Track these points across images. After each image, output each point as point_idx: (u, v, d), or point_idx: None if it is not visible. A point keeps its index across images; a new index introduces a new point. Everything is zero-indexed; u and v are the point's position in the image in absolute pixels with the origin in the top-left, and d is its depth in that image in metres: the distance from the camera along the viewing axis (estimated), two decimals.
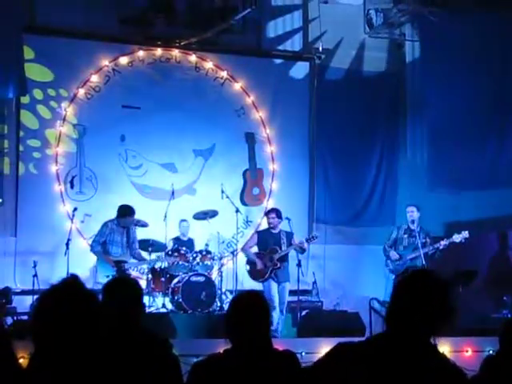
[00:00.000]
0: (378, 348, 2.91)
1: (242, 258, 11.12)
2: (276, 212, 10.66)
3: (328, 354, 3.06)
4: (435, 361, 2.93)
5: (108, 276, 9.55)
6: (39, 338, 2.74)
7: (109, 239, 10.31)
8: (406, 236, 10.85)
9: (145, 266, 10.79)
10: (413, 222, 10.71)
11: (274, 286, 10.33)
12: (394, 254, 10.81)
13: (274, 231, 10.58)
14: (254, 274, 10.50)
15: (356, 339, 3.06)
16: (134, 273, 10.70)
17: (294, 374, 3.52)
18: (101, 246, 10.34)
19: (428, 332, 2.93)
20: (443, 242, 10.52)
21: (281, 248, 10.39)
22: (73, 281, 2.82)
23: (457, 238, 10.43)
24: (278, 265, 10.32)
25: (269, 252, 10.43)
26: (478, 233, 11.86)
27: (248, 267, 10.62)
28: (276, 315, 9.88)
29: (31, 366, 2.79)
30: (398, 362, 2.86)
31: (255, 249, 10.71)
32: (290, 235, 10.58)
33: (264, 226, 11.66)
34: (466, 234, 10.42)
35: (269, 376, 3.47)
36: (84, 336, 2.70)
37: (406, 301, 2.96)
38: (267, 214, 10.87)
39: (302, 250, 10.59)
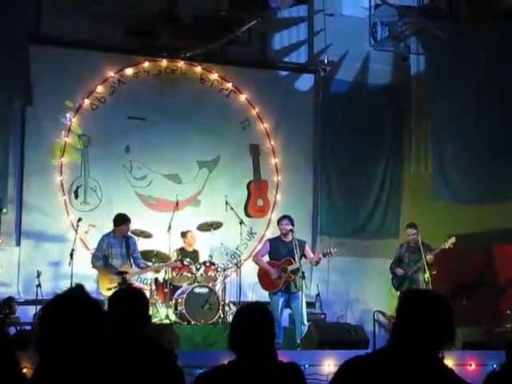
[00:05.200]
0: (385, 362, 2.91)
1: (245, 270, 11.06)
2: (289, 218, 10.30)
3: (337, 374, 3.04)
4: (441, 374, 2.93)
5: (110, 289, 9.54)
6: (44, 348, 2.74)
7: (108, 253, 10.24)
8: (407, 254, 10.92)
9: (148, 276, 10.77)
10: (413, 239, 10.76)
11: (281, 299, 10.07)
12: (399, 271, 10.92)
13: (286, 239, 10.20)
14: (267, 284, 10.18)
15: (360, 352, 3.05)
16: (137, 283, 10.71)
17: None
18: (102, 259, 10.28)
19: (432, 345, 2.94)
20: (433, 253, 10.63)
21: (294, 257, 9.99)
22: (79, 291, 2.82)
23: (445, 244, 10.60)
24: (293, 277, 9.99)
25: (283, 263, 10.07)
26: (483, 246, 11.86)
27: (260, 277, 10.29)
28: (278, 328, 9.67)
29: (36, 377, 2.79)
30: (405, 375, 2.86)
31: (267, 257, 10.37)
32: (302, 243, 10.25)
33: (268, 236, 11.64)
34: (452, 239, 10.54)
35: None
36: (89, 346, 2.70)
37: (409, 316, 2.98)
38: (280, 220, 10.40)
39: (316, 263, 10.36)
